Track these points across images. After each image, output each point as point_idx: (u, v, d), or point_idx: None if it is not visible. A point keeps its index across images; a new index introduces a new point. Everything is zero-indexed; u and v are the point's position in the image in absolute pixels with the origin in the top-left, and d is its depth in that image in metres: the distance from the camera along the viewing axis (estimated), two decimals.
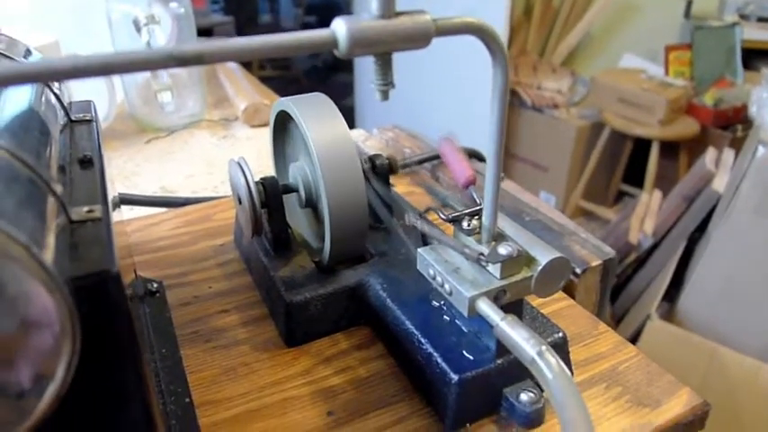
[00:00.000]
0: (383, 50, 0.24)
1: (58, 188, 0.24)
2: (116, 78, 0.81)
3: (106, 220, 0.24)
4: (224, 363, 0.38)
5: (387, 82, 0.25)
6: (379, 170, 0.45)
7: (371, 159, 0.45)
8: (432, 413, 0.34)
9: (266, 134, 0.86)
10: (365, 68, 2.23)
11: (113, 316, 0.22)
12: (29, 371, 0.20)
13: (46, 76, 0.20)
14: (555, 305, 0.43)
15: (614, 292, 1.48)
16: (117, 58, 0.20)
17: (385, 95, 0.25)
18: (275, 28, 3.52)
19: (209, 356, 0.39)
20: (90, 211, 0.24)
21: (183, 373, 0.37)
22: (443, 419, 0.33)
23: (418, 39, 0.24)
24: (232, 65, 1.04)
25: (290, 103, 0.40)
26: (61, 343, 0.20)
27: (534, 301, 0.42)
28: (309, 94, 0.42)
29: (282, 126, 0.46)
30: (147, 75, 0.82)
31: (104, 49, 0.80)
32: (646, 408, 0.34)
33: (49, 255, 0.20)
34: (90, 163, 0.30)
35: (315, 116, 0.39)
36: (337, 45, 0.23)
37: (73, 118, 0.36)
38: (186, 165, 0.75)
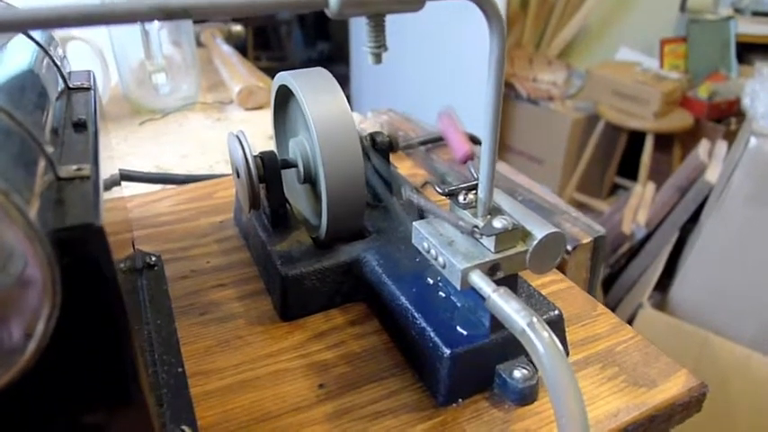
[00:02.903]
0: (375, 11, 0.23)
1: (48, 147, 0.24)
2: (110, 59, 0.82)
3: (94, 179, 0.24)
4: (218, 335, 0.38)
5: (379, 44, 0.25)
6: (380, 147, 0.44)
7: (372, 136, 0.45)
8: (424, 388, 0.34)
9: (261, 117, 0.86)
10: (361, 60, 2.23)
11: (96, 271, 0.21)
12: (14, 325, 0.20)
13: (30, 24, 0.19)
14: (553, 286, 0.42)
15: (607, 282, 1.51)
16: (102, 8, 0.20)
17: (378, 58, 0.25)
18: (270, 18, 3.50)
19: (203, 329, 0.39)
20: (79, 170, 0.24)
21: (176, 344, 0.37)
22: (435, 394, 0.33)
23: (410, 1, 0.24)
24: (227, 50, 1.04)
25: (290, 78, 0.40)
26: (41, 296, 0.20)
27: (534, 281, 0.41)
28: (310, 68, 0.42)
29: (283, 101, 0.46)
30: (141, 57, 0.82)
31: (100, 28, 0.80)
32: (641, 388, 0.34)
33: (32, 206, 0.20)
34: (84, 126, 0.29)
35: (314, 90, 0.39)
36: (327, 4, 0.23)
37: (71, 85, 0.36)
38: (180, 145, 0.76)
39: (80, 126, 0.29)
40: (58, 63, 0.36)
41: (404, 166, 0.61)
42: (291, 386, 0.34)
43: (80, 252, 0.21)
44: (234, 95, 0.88)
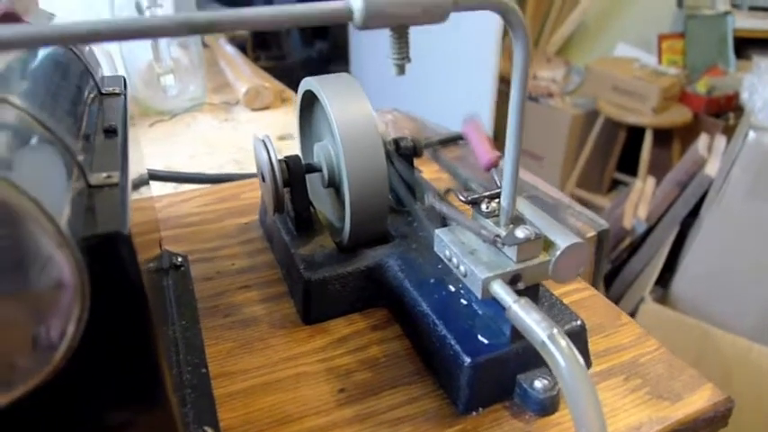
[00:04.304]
0: (399, 23, 0.24)
1: (80, 154, 0.25)
2: (118, 61, 0.83)
3: (123, 186, 0.25)
4: (241, 337, 0.39)
5: (403, 56, 0.25)
6: (404, 152, 0.45)
7: (396, 141, 0.45)
8: (444, 396, 0.34)
9: (267, 117, 0.87)
10: (360, 59, 2.24)
11: (123, 276, 0.22)
12: (51, 325, 0.21)
13: (64, 39, 0.20)
14: (577, 295, 0.42)
15: (609, 277, 1.52)
16: (132, 23, 0.21)
17: (401, 70, 0.25)
18: None
19: (227, 330, 0.39)
20: (108, 177, 0.25)
21: (201, 345, 0.38)
22: (455, 402, 0.33)
23: (435, 13, 0.24)
24: (232, 51, 1.05)
25: (315, 83, 0.41)
26: (72, 299, 0.20)
27: (557, 290, 0.41)
28: (335, 74, 0.42)
29: (308, 105, 0.46)
30: (149, 58, 0.83)
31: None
32: (665, 401, 0.33)
33: (63, 214, 0.20)
34: (114, 132, 0.30)
35: (339, 95, 0.39)
36: (352, 17, 0.23)
37: (103, 91, 0.36)
38: (190, 146, 0.77)
39: (111, 132, 0.30)
40: (91, 69, 0.37)
41: (429, 170, 0.61)
42: (312, 390, 0.35)
43: (108, 258, 0.22)
44: (240, 96, 0.89)
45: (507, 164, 0.30)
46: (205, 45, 1.12)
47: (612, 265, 1.51)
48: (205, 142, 0.78)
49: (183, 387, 0.34)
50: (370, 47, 2.09)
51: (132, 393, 0.25)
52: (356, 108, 0.39)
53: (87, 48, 0.41)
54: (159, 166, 0.71)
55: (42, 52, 0.33)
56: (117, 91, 0.37)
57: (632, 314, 1.29)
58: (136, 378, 0.24)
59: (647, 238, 1.48)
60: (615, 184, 2.31)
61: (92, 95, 0.34)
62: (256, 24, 0.22)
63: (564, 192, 2.14)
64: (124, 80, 0.40)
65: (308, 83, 0.42)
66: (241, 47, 1.40)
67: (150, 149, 0.77)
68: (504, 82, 2.27)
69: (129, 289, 0.23)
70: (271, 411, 0.33)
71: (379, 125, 0.69)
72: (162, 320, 0.34)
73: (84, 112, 0.31)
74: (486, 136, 0.37)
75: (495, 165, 0.35)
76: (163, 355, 0.26)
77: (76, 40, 0.20)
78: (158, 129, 0.83)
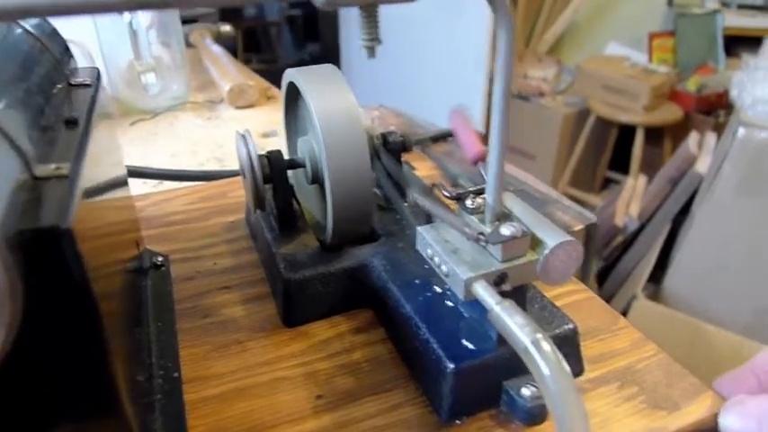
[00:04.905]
0: (366, 2, 0.22)
1: (27, 145, 0.23)
2: (99, 61, 0.82)
3: (74, 178, 0.23)
4: (217, 339, 0.37)
5: (373, 37, 0.23)
6: (392, 147, 0.43)
7: (384, 136, 0.43)
8: (427, 403, 0.32)
9: (252, 115, 0.86)
10: (351, 61, 2.24)
11: (66, 277, 0.20)
12: None
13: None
14: (572, 297, 0.40)
15: (602, 275, 1.53)
16: None
17: (372, 52, 0.23)
18: (260, 20, 3.52)
19: (203, 332, 0.38)
20: (57, 169, 0.23)
21: (175, 348, 0.36)
22: (438, 410, 0.31)
23: None
24: (217, 50, 1.04)
25: (297, 74, 0.39)
26: (2, 301, 0.19)
27: (550, 291, 0.39)
28: (319, 65, 0.40)
29: (292, 99, 0.44)
30: (130, 57, 0.82)
31: (86, 25, 0.80)
32: (662, 410, 0.31)
33: None
34: (75, 123, 0.29)
35: (320, 87, 0.38)
36: None
37: (72, 82, 0.35)
38: (171, 145, 0.76)
39: (72, 123, 0.29)
40: (60, 60, 0.35)
41: (423, 167, 0.59)
42: (289, 396, 0.33)
43: (48, 256, 0.20)
44: (224, 94, 0.88)
45: (492, 157, 0.29)
46: (190, 45, 1.11)
47: (605, 262, 1.53)
48: (187, 141, 0.77)
49: (153, 393, 0.33)
50: (360, 48, 2.08)
51: (81, 406, 0.23)
52: (338, 100, 0.37)
53: (60, 38, 0.39)
54: (140, 165, 0.69)
55: (4, 41, 0.32)
56: (87, 82, 0.35)
57: (625, 312, 1.29)
58: (84, 388, 0.23)
59: (639, 236, 1.49)
60: (607, 182, 2.33)
61: (59, 86, 0.33)
62: (214, 0, 0.20)
63: (556, 190, 2.16)
64: (98, 71, 0.38)
65: (290, 75, 0.41)
66: (231, 50, 1.40)
67: (131, 149, 0.75)
68: None
69: (72, 289, 0.21)
70: (243, 418, 0.31)
71: (366, 120, 0.68)
72: (131, 323, 0.33)
73: (48, 103, 0.30)
74: (473, 129, 0.35)
75: (482, 159, 0.33)
76: (117, 362, 0.24)
77: (8, 17, 0.19)
78: (140, 128, 0.82)
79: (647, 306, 1.28)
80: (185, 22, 1.01)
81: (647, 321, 1.24)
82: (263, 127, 0.79)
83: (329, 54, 2.65)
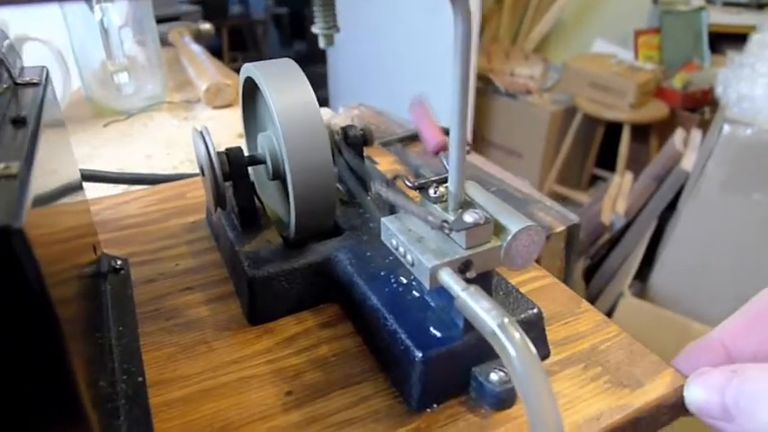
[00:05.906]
0: None
1: None
2: (71, 61, 0.80)
3: (23, 178, 0.22)
4: (182, 341, 0.36)
5: (330, 25, 0.23)
6: (353, 141, 0.43)
7: (345, 130, 0.43)
8: (397, 394, 0.32)
9: (229, 115, 0.84)
10: (338, 59, 2.23)
11: (19, 280, 0.20)
12: None
13: None
14: (536, 283, 0.41)
15: (588, 273, 1.54)
16: None
17: (329, 40, 0.23)
18: (245, 18, 3.48)
19: (167, 334, 0.37)
20: (6, 168, 0.22)
21: (138, 352, 0.35)
22: (408, 400, 0.31)
23: None
24: (196, 49, 1.02)
25: (254, 68, 0.38)
26: None
27: (515, 278, 0.40)
28: (276, 59, 0.40)
29: (251, 95, 0.44)
30: (103, 57, 0.80)
31: (56, 25, 0.78)
32: (625, 389, 0.32)
33: None
34: (23, 122, 0.28)
35: (279, 81, 0.37)
36: None
37: (18, 81, 0.34)
38: (145, 146, 0.74)
39: (19, 122, 0.28)
40: (4, 59, 0.34)
41: (385, 162, 0.59)
42: (257, 394, 0.32)
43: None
44: (201, 94, 0.86)
45: (452, 145, 0.29)
46: (169, 43, 1.08)
47: (591, 260, 1.53)
48: (162, 142, 0.75)
49: (117, 398, 0.32)
50: (347, 47, 2.08)
51: (43, 413, 0.22)
52: (297, 94, 0.37)
53: (3, 35, 0.38)
54: (112, 168, 0.67)
55: None
56: (35, 81, 0.34)
57: (612, 309, 1.30)
58: (45, 395, 0.22)
59: (626, 233, 1.50)
60: (594, 179, 2.34)
61: (3, 86, 0.32)
62: None
63: (543, 188, 2.18)
64: (46, 70, 0.37)
65: (247, 69, 0.40)
66: (217, 49, 1.37)
67: (104, 150, 0.73)
68: (481, 79, 2.28)
69: (27, 292, 0.20)
70: (211, 419, 0.31)
71: (346, 119, 0.67)
72: (91, 328, 0.32)
73: None
74: (433, 119, 0.35)
75: (443, 148, 0.34)
76: (78, 367, 0.23)
77: None
78: (113, 129, 0.79)
79: (633, 303, 1.28)
80: (167, 20, 0.98)
81: (635, 319, 1.25)
82: (241, 127, 0.78)
83: (316, 52, 2.63)
